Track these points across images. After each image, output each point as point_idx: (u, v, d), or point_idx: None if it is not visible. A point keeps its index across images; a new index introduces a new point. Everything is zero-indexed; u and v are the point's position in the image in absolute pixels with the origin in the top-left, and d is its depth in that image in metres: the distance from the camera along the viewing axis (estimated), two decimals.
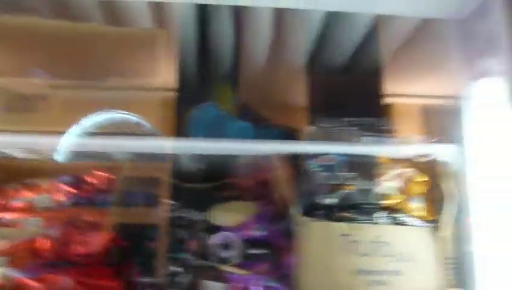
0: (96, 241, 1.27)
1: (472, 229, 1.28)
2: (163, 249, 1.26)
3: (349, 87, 1.77)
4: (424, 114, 1.82)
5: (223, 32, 1.66)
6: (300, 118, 1.74)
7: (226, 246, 1.29)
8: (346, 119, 1.46)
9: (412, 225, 1.30)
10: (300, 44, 1.71)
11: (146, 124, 1.85)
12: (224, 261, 1.26)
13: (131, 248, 1.28)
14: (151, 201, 1.38)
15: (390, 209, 1.29)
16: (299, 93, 1.88)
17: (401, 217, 1.29)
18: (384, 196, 1.29)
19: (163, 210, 1.37)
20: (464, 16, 1.30)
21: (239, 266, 1.25)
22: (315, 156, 1.28)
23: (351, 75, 1.91)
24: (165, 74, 2.09)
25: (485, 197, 1.25)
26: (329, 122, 1.54)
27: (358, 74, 1.94)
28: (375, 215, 1.27)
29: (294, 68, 1.95)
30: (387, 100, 1.79)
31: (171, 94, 1.91)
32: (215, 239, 1.30)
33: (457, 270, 1.29)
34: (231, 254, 1.28)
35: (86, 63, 1.46)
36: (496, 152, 1.21)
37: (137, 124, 1.83)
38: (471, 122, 1.29)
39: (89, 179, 1.44)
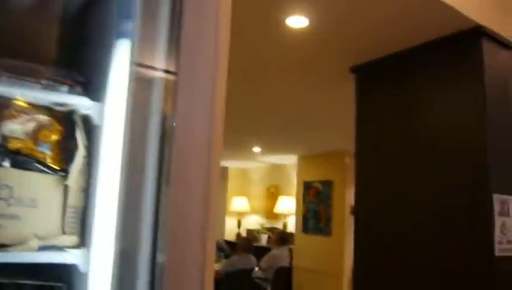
0: None
1: (97, 182, 1.35)
2: None
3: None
4: None
5: None
6: None
7: None
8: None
9: (38, 171, 1.29)
10: None
11: None
12: None
13: None
14: None
15: (17, 153, 1.26)
16: None
17: (27, 162, 1.27)
18: (12, 139, 1.25)
19: None
20: None
21: None
22: None
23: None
24: None
25: (113, 155, 1.33)
26: None
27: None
28: None
29: None
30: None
31: None
32: None
33: (78, 220, 1.34)
34: None
35: None
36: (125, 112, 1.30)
37: None
38: (113, 80, 1.36)
39: None
